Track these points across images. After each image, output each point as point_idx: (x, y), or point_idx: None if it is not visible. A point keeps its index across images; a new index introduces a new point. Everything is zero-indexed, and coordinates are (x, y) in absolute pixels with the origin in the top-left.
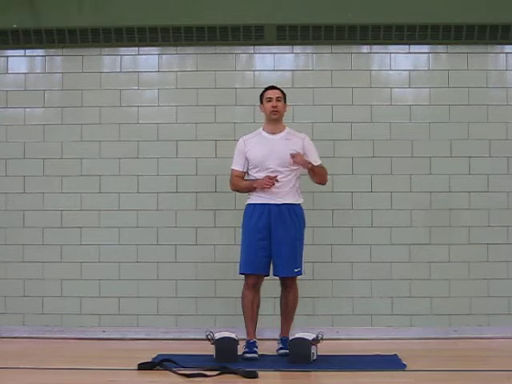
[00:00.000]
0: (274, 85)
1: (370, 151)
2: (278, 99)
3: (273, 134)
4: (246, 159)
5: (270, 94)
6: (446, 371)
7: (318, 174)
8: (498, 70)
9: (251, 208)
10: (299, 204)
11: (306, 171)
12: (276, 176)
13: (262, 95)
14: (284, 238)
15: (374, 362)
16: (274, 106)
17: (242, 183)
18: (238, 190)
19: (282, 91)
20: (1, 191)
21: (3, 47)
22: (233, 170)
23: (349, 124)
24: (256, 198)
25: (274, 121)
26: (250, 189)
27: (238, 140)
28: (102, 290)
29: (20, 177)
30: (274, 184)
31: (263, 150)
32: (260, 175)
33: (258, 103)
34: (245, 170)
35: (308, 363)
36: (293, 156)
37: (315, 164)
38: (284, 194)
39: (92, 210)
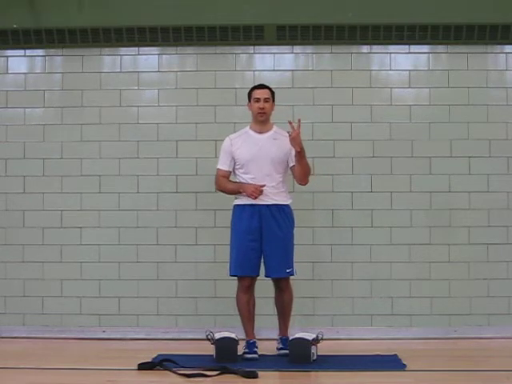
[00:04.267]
0: (263, 83)
1: (370, 151)
2: (265, 100)
3: (260, 133)
4: (233, 159)
5: (258, 94)
6: (446, 371)
7: (302, 164)
8: (498, 70)
9: (240, 209)
10: (288, 204)
11: (289, 172)
12: (264, 185)
13: (249, 93)
14: (276, 238)
15: (373, 362)
16: (261, 108)
17: (228, 185)
18: (223, 191)
19: (270, 90)
20: (1, 191)
21: (3, 47)
22: (218, 169)
23: (349, 124)
24: (245, 199)
25: (261, 121)
26: (236, 192)
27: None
28: (101, 289)
29: (20, 177)
30: (260, 193)
31: (251, 150)
32: (247, 176)
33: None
34: (230, 170)
35: (308, 363)
36: (293, 133)
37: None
38: (273, 195)
39: (92, 210)
